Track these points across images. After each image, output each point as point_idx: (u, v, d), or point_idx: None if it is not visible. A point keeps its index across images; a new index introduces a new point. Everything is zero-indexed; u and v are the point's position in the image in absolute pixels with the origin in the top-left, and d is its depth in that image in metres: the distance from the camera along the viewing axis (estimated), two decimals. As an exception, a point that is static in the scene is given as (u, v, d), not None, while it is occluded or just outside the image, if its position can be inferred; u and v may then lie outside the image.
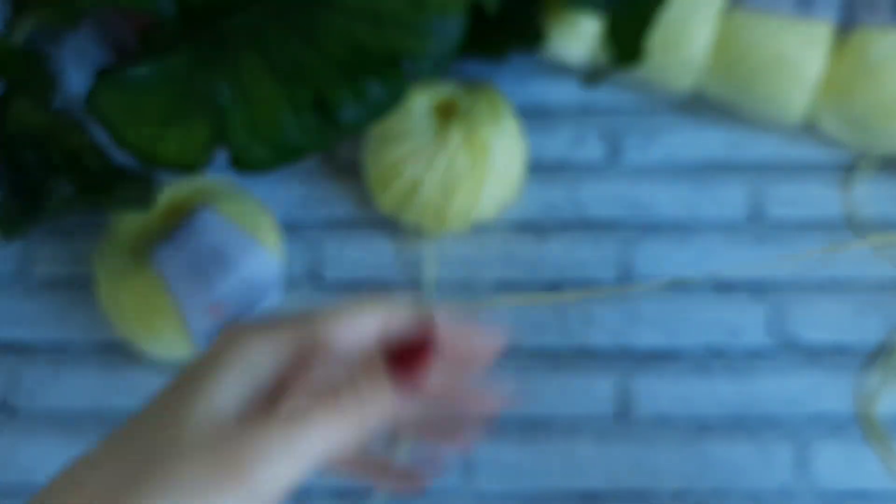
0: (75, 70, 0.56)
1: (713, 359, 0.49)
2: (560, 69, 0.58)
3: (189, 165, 0.39)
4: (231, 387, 0.26)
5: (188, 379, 0.26)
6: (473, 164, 0.47)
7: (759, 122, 0.55)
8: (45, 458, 0.48)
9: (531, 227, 0.53)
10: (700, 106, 0.56)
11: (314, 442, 0.26)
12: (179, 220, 0.48)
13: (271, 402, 0.27)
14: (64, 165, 0.40)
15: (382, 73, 0.37)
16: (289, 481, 0.26)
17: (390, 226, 0.53)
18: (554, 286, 0.50)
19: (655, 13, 0.47)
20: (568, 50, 0.55)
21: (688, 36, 0.52)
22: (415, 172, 0.46)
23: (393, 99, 0.38)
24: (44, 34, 0.64)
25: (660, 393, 0.48)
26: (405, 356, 0.28)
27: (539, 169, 0.54)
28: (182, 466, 0.25)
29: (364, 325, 0.28)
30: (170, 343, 0.46)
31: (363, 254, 0.53)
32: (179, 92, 0.40)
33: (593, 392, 0.48)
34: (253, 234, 0.47)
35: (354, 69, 0.38)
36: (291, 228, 0.54)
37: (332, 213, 0.54)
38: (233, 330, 0.27)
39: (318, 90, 0.38)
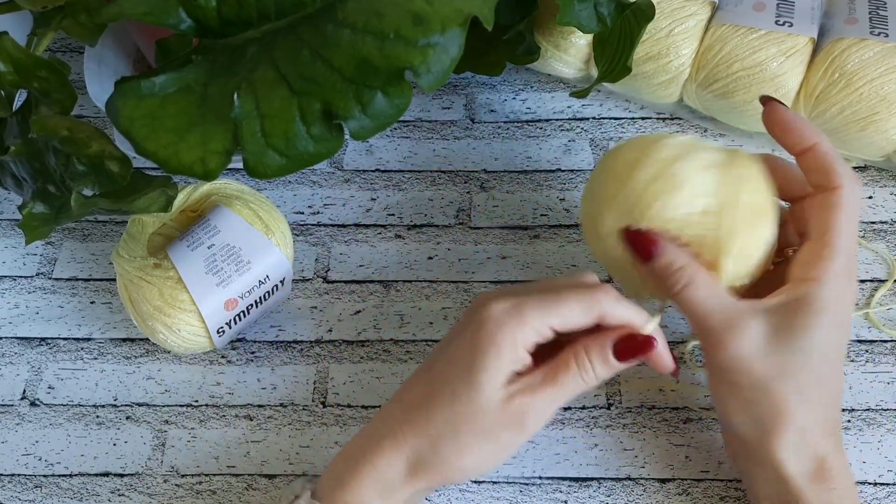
0: (96, 79, 0.56)
1: (698, 350, 0.49)
2: (553, 81, 0.60)
3: (206, 172, 0.38)
4: (504, 366, 0.38)
5: (472, 356, 0.38)
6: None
7: (740, 130, 0.56)
8: (65, 450, 0.47)
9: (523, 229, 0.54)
10: (684, 115, 0.57)
11: (563, 400, 0.39)
12: (196, 219, 0.48)
13: (526, 371, 0.39)
14: (86, 171, 0.40)
15: (387, 86, 0.37)
16: (547, 422, 0.39)
17: (392, 227, 0.55)
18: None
19: (641, 31, 0.47)
20: (560, 64, 0.56)
21: (673, 49, 0.53)
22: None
23: (397, 110, 0.39)
24: (65, 45, 0.65)
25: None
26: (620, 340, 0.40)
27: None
28: (483, 420, 0.38)
29: (572, 318, 0.39)
30: (187, 338, 0.46)
31: (367, 254, 0.54)
32: (196, 102, 0.38)
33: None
34: (266, 234, 0.47)
35: (361, 82, 0.37)
36: (301, 229, 0.55)
37: (339, 215, 0.56)
38: (495, 317, 0.38)
39: (326, 102, 0.37)
